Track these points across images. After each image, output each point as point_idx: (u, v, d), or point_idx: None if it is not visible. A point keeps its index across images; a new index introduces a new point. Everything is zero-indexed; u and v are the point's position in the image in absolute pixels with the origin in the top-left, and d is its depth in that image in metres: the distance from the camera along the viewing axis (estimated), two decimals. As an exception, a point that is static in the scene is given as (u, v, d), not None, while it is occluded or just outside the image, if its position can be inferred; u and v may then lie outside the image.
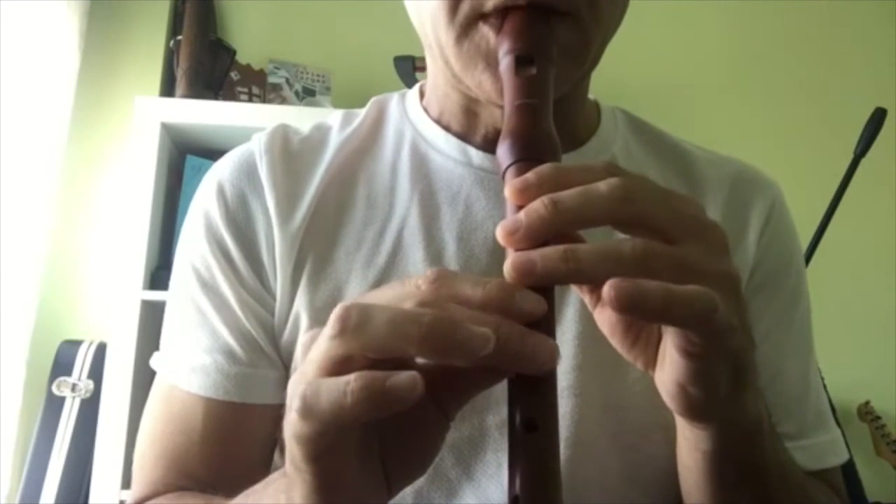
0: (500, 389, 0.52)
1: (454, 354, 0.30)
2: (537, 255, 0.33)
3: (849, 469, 1.51)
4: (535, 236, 0.34)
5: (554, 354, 0.32)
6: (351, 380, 0.30)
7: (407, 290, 0.34)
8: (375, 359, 0.32)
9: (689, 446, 0.44)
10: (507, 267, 0.34)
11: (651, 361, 0.39)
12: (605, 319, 0.40)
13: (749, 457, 0.43)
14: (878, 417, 1.88)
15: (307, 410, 0.31)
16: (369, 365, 0.32)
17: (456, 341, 0.30)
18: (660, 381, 0.39)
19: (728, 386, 0.37)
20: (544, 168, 0.35)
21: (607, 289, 0.32)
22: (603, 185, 0.34)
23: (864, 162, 1.67)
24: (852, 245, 1.98)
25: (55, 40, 1.69)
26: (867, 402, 1.92)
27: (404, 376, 0.30)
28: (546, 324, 0.34)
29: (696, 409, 0.38)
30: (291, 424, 0.32)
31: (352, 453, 0.34)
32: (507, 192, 0.35)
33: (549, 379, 0.34)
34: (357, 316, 0.31)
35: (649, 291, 0.32)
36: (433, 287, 0.33)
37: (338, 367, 0.32)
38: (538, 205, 0.34)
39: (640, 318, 0.34)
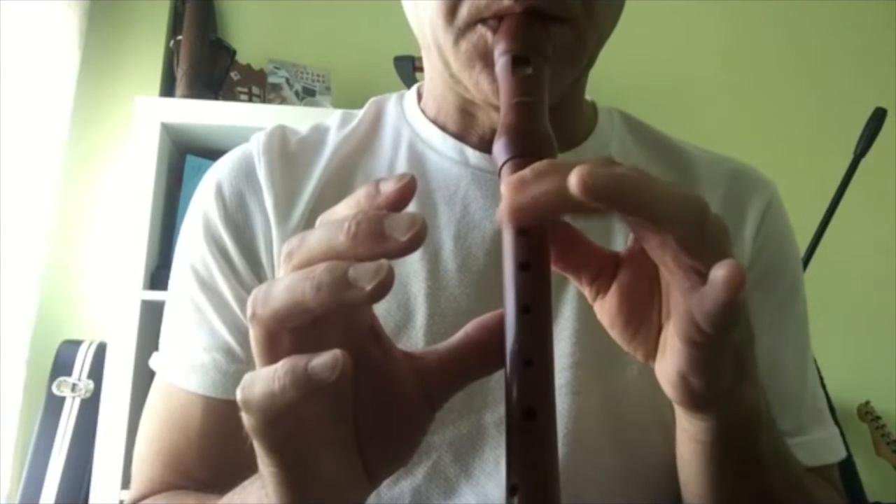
0: (498, 388, 0.52)
1: (351, 294, 0.29)
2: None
3: (849, 469, 1.51)
4: (538, 212, 0.33)
5: (416, 220, 0.30)
6: (279, 366, 0.30)
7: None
8: (306, 336, 0.31)
9: (689, 438, 0.44)
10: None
11: (651, 352, 0.39)
12: (606, 310, 0.40)
13: (748, 448, 0.43)
14: (878, 417, 1.88)
15: (246, 403, 0.31)
16: (300, 341, 0.31)
17: (348, 281, 0.29)
18: (661, 371, 0.38)
19: (729, 376, 0.37)
20: (541, 164, 0.35)
21: (575, 174, 0.31)
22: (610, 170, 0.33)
23: (864, 162, 1.67)
24: (852, 245, 1.98)
25: (55, 40, 1.69)
26: (867, 402, 1.92)
27: (326, 356, 0.29)
28: (542, 305, 0.34)
29: (697, 400, 0.38)
30: (244, 419, 0.32)
31: (319, 443, 0.33)
32: (504, 188, 0.35)
33: (546, 366, 0.34)
34: (261, 293, 0.32)
35: (627, 175, 0.31)
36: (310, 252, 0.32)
37: (268, 350, 0.32)
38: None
39: (616, 207, 0.32)
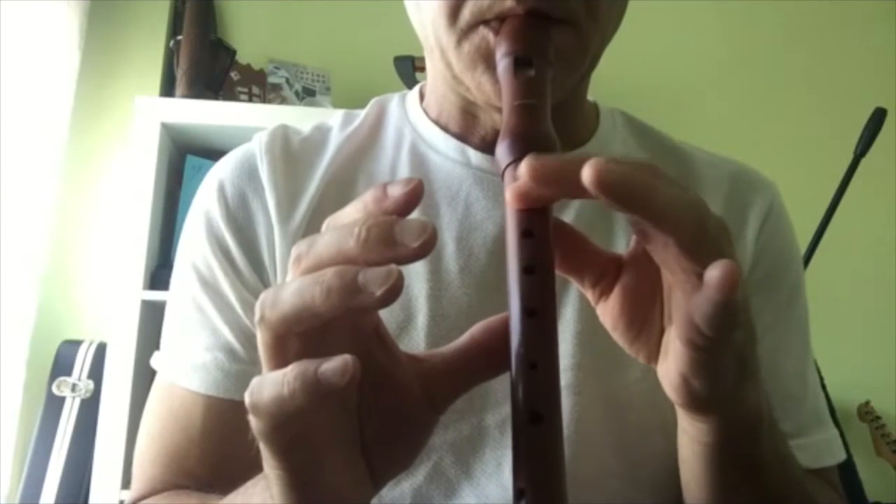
0: (499, 389, 0.52)
1: (361, 299, 0.29)
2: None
3: (849, 469, 1.51)
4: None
5: (427, 227, 0.30)
6: (288, 371, 0.30)
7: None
8: (313, 340, 0.31)
9: (690, 439, 0.44)
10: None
11: (654, 354, 0.39)
12: (608, 312, 0.40)
13: (750, 449, 0.43)
14: (878, 417, 1.88)
15: (254, 406, 0.31)
16: (307, 345, 0.31)
17: (358, 286, 0.29)
18: (663, 373, 0.38)
19: (731, 378, 0.37)
20: (536, 161, 0.34)
21: (588, 168, 0.31)
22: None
23: (864, 162, 1.67)
24: (852, 245, 1.98)
25: (55, 40, 1.69)
26: (867, 402, 1.92)
27: (336, 361, 0.29)
28: (547, 308, 0.34)
29: (699, 402, 0.38)
30: (251, 422, 0.32)
31: (325, 446, 0.33)
32: (508, 196, 0.35)
33: (552, 369, 0.34)
34: (270, 296, 0.31)
35: (637, 175, 0.32)
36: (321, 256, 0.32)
37: (276, 354, 0.32)
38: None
39: (622, 204, 0.32)
